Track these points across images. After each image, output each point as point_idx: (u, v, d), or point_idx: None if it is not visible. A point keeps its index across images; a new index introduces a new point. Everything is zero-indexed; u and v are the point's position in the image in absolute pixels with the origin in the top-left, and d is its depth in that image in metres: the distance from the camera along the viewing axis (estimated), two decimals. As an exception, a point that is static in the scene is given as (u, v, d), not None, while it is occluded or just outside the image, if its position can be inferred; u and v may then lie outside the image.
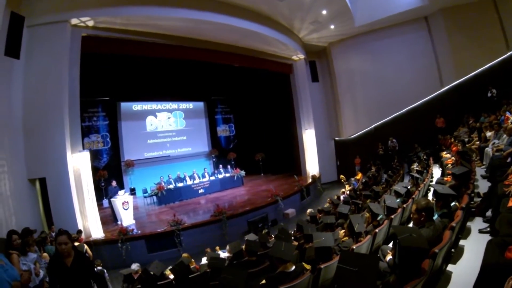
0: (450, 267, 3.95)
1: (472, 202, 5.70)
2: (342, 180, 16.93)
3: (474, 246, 4.35)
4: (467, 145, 11.09)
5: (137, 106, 19.70)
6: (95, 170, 14.12)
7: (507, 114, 11.14)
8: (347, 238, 5.48)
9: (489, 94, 14.67)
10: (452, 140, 13.10)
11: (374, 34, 18.47)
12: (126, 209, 12.19)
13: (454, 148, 11.38)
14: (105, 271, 8.75)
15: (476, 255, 3.67)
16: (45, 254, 7.00)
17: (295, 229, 8.83)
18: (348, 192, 12.95)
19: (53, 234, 9.16)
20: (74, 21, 10.58)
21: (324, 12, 15.15)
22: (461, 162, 7.25)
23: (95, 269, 8.68)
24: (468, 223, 5.23)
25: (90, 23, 11.01)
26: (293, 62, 19.14)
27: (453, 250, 4.29)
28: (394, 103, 18.41)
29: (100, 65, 14.32)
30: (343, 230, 6.04)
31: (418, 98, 17.90)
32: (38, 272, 5.76)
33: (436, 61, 17.30)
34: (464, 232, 4.90)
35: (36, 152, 9.96)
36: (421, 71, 17.60)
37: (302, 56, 18.84)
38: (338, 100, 20.56)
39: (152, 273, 6.29)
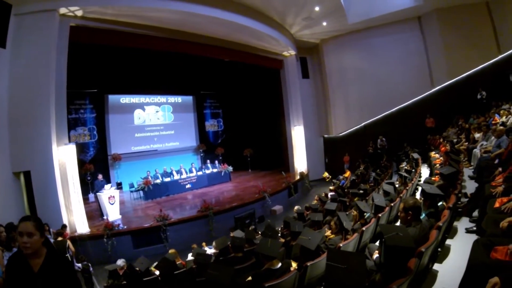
0: (436, 266, 3.98)
1: (459, 202, 5.74)
2: (326, 179, 16.97)
3: (461, 246, 4.39)
4: (455, 146, 11.17)
5: (125, 99, 19.47)
6: (81, 164, 13.95)
7: (496, 116, 11.26)
8: (333, 235, 5.48)
9: (478, 96, 14.78)
10: (441, 140, 13.19)
11: (367, 32, 18.50)
12: (112, 204, 12.04)
13: (442, 149, 11.43)
14: (90, 265, 8.68)
15: (462, 255, 3.69)
16: None
17: (282, 226, 8.81)
18: (334, 190, 12.98)
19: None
20: (62, 10, 10.36)
21: (317, 8, 15.12)
22: (449, 163, 7.30)
23: (78, 265, 8.61)
24: (455, 223, 5.27)
25: (79, 13, 10.82)
26: (284, 58, 19.09)
27: (439, 249, 4.32)
28: (385, 101, 18.47)
29: (88, 56, 14.10)
30: (329, 231, 6.02)
31: (409, 98, 17.98)
32: None
33: (428, 61, 17.39)
34: (450, 232, 4.94)
35: (21, 144, 9.79)
36: (413, 70, 17.68)
37: (293, 52, 18.78)
38: (328, 97, 20.59)
39: (137, 269, 6.23)
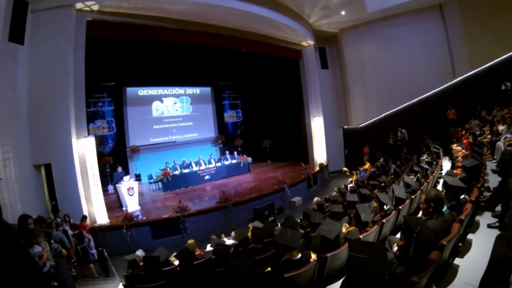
0: (457, 261, 3.92)
1: (482, 196, 5.66)
2: (347, 173, 16.81)
3: (482, 241, 4.32)
4: (478, 138, 10.91)
5: (143, 91, 19.55)
6: (100, 156, 14.01)
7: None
8: (352, 228, 5.40)
9: (503, 87, 14.22)
10: (463, 132, 12.90)
11: (386, 21, 18.08)
12: (131, 195, 12.18)
13: (465, 141, 11.21)
14: (104, 250, 8.81)
15: (484, 250, 3.58)
16: (52, 243, 7.00)
17: (301, 217, 8.74)
18: (354, 182, 12.83)
19: (59, 220, 9.20)
20: (79, 5, 10.45)
21: (335, -3, 14.85)
22: (472, 155, 7.13)
23: (93, 252, 8.73)
24: (477, 217, 5.18)
25: (95, 7, 10.86)
26: (303, 48, 18.86)
27: (460, 244, 4.24)
28: (405, 92, 18.09)
29: (105, 50, 14.14)
30: (345, 225, 5.94)
31: (429, 89, 17.56)
32: (42, 265, 5.69)
33: (449, 51, 16.87)
34: (472, 226, 4.84)
35: (41, 138, 10.02)
36: (434, 61, 17.20)
37: (311, 42, 18.56)
38: (347, 88, 20.32)
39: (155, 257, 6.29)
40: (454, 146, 11.90)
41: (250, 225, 8.21)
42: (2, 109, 8.92)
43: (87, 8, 10.73)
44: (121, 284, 7.98)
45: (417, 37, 17.61)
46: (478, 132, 11.92)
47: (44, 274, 5.42)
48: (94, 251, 9.51)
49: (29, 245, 5.59)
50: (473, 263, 3.79)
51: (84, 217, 9.94)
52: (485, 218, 5.15)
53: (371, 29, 18.76)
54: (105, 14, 11.34)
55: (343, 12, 16.78)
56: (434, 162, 10.28)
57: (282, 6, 14.91)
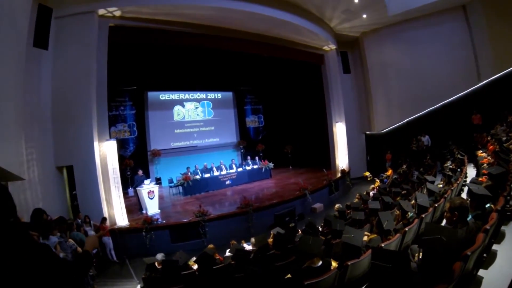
0: (481, 272, 3.74)
1: (508, 205, 5.40)
2: (368, 178, 16.56)
3: (508, 252, 4.14)
4: (504, 144, 10.57)
5: (164, 96, 19.76)
6: (121, 159, 14.19)
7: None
8: (374, 235, 5.27)
9: (530, 91, 13.85)
10: (489, 138, 12.55)
11: (409, 24, 17.74)
12: (152, 199, 12.20)
13: (490, 147, 10.90)
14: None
15: (510, 261, 3.57)
16: (70, 240, 7.18)
17: (322, 224, 8.61)
18: (376, 189, 12.62)
19: (79, 221, 9.32)
20: (101, 11, 10.73)
21: (356, 0, 14.67)
22: (498, 162, 6.91)
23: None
24: (503, 227, 4.93)
25: (117, 13, 11.12)
26: (324, 52, 18.73)
27: (485, 254, 4.05)
28: (428, 97, 17.70)
29: (127, 55, 14.37)
30: (366, 233, 5.81)
31: (454, 93, 17.15)
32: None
33: (474, 53, 16.44)
34: (498, 237, 4.64)
35: (64, 141, 10.29)
36: (458, 64, 16.77)
37: (333, 47, 18.41)
38: (370, 93, 20.01)
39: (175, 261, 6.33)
40: (479, 153, 11.61)
41: (272, 232, 8.15)
42: (27, 112, 9.07)
43: (109, 14, 10.97)
44: (139, 286, 8.02)
45: (440, 40, 17.24)
46: (504, 138, 11.58)
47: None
48: (113, 252, 9.62)
49: (45, 237, 5.79)
50: (498, 274, 3.64)
51: (104, 219, 10.06)
52: (511, 228, 4.94)
53: (393, 32, 18.48)
54: (126, 20, 11.53)
55: (364, 16, 16.56)
56: (459, 169, 10.04)
57: (303, 10, 14.82)
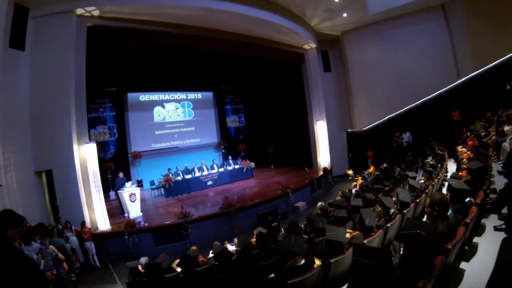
0: (463, 265, 3.88)
1: (488, 199, 5.59)
2: (350, 177, 16.71)
3: (489, 244, 4.29)
4: (483, 140, 10.77)
5: (145, 97, 19.57)
6: (101, 162, 14.03)
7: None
8: (357, 232, 5.32)
9: (508, 87, 14.01)
10: (468, 134, 12.76)
11: (389, 22, 17.96)
12: (133, 201, 12.13)
13: (470, 142, 11.07)
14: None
15: (491, 254, 3.55)
16: (51, 246, 7.04)
17: (305, 222, 8.64)
18: (358, 186, 12.72)
19: (60, 226, 9.19)
20: (79, 11, 10.50)
21: (336, -1, 14.77)
22: (477, 157, 7.04)
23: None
24: (483, 220, 5.13)
25: (96, 13, 10.90)
26: (305, 51, 18.79)
27: (466, 247, 4.20)
28: (409, 94, 17.94)
29: (106, 55, 14.12)
30: (348, 230, 5.86)
31: (433, 90, 17.40)
32: (39, 262, 5.79)
33: (453, 51, 16.73)
34: (478, 229, 4.80)
35: (42, 144, 10.10)
36: (437, 61, 17.05)
37: (314, 45, 18.48)
38: (351, 91, 20.21)
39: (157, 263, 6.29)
40: (459, 148, 11.77)
41: (255, 232, 8.14)
42: (4, 116, 8.95)
43: (87, 14, 10.76)
44: (122, 291, 7.95)
45: (420, 38, 17.48)
46: (483, 133, 11.80)
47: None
48: (96, 257, 9.52)
49: (27, 243, 5.83)
50: (479, 267, 3.76)
51: (83, 223, 9.92)
52: (491, 221, 5.10)
53: (373, 31, 18.67)
54: (106, 20, 11.34)
55: (345, 14, 16.68)
56: (439, 165, 10.17)
57: (284, 9, 14.85)
